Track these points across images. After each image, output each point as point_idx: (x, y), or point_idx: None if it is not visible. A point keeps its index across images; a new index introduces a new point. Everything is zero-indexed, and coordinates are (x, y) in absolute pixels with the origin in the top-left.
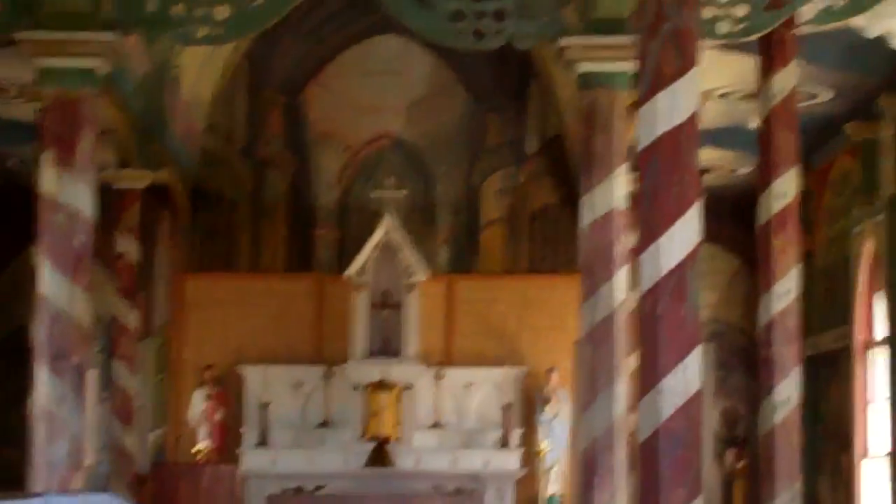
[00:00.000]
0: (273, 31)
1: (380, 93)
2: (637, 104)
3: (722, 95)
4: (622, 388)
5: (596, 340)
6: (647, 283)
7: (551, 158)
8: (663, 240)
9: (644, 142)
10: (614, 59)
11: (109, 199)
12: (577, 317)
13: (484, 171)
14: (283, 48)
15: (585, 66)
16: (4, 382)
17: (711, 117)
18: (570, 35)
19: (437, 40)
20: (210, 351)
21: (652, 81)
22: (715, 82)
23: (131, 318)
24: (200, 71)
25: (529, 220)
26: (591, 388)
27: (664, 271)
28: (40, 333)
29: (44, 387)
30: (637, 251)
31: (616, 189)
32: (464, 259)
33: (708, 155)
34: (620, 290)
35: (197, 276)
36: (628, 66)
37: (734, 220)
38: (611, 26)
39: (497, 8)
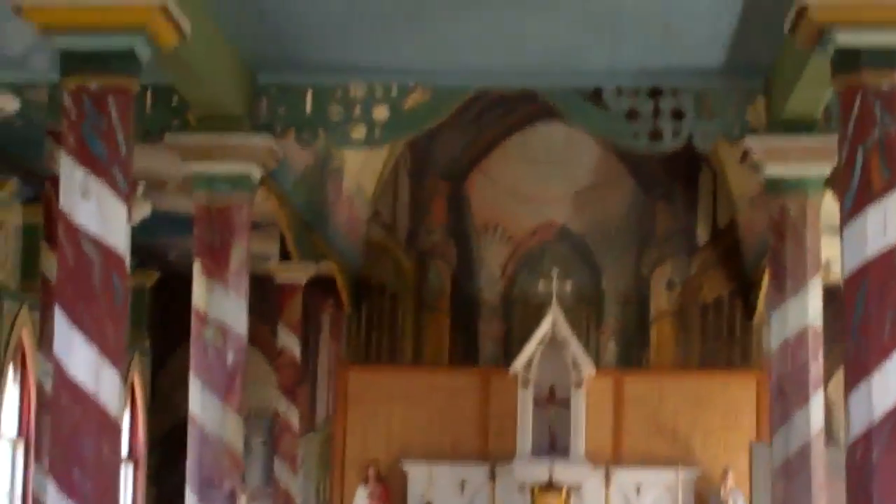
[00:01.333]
0: None
1: (544, 181)
2: (840, 220)
3: None
4: None
5: (790, 474)
6: (856, 427)
7: (723, 248)
8: (876, 378)
9: (849, 264)
10: (806, 162)
11: (271, 293)
12: (752, 415)
13: (653, 261)
14: (446, 136)
15: (773, 170)
16: (170, 476)
17: None
18: (756, 135)
19: (613, 140)
20: (373, 446)
21: (858, 195)
22: None
23: (293, 415)
24: (363, 161)
25: (701, 313)
26: None
27: (878, 415)
28: (191, 458)
29: None
30: (845, 389)
31: (811, 304)
32: (632, 354)
33: None
34: (818, 417)
35: (360, 369)
36: (821, 170)
37: None
38: (801, 126)
39: (674, 106)
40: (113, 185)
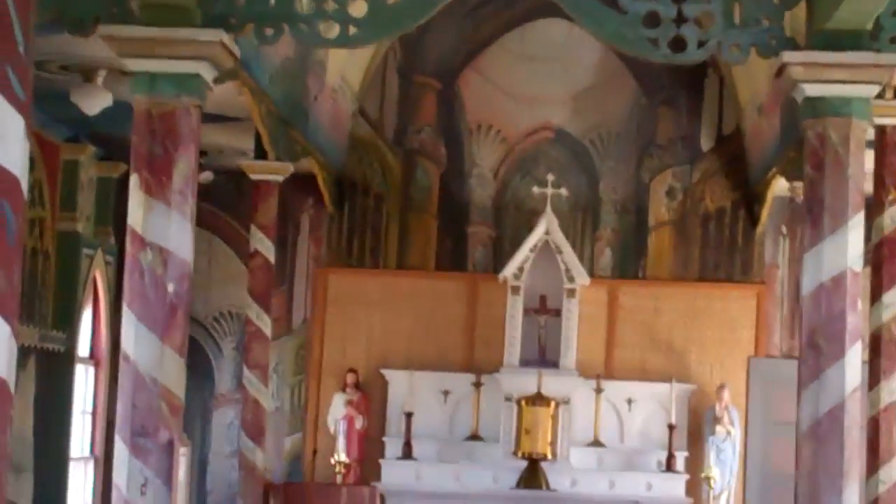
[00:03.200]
0: None
1: (541, 81)
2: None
3: None
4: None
5: (820, 437)
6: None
7: (727, 157)
8: None
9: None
10: (852, 82)
11: (247, 188)
12: (751, 330)
13: (653, 168)
14: (438, 31)
15: (814, 89)
16: None
17: None
18: (795, 49)
19: (628, 50)
20: (352, 353)
21: None
22: None
23: (264, 321)
24: (349, 54)
25: (702, 223)
26: (812, 497)
27: None
28: (122, 403)
29: (123, 468)
30: None
31: (852, 245)
32: (629, 264)
33: None
34: (854, 375)
35: (340, 272)
36: (869, 91)
37: None
38: (848, 40)
39: (701, 12)
40: (4, 90)
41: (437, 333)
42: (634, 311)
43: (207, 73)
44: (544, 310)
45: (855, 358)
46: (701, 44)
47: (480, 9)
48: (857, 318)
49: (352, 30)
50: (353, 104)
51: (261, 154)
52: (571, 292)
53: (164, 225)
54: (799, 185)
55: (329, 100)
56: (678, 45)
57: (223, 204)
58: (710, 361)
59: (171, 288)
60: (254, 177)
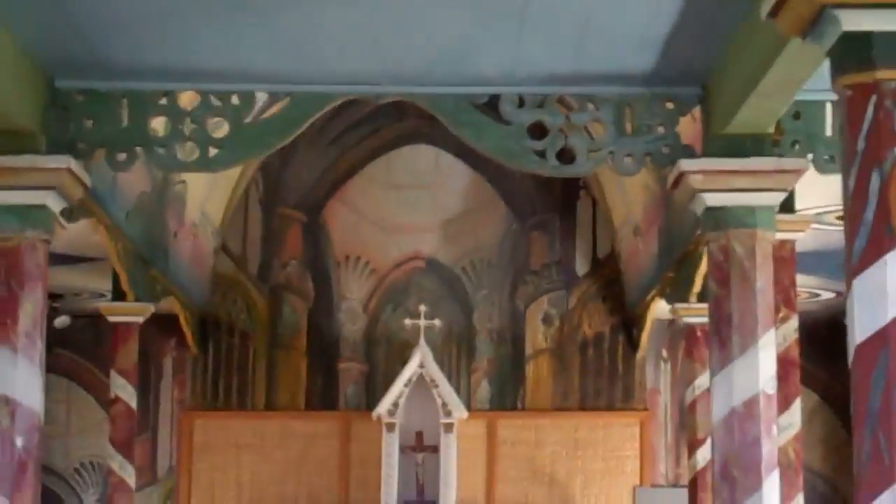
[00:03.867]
0: (291, 142)
1: (409, 210)
2: (847, 269)
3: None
4: None
5: None
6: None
7: (604, 281)
8: None
9: (863, 328)
10: (755, 189)
11: (105, 333)
12: (636, 459)
13: (528, 295)
14: (301, 161)
15: (715, 199)
16: None
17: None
18: (692, 157)
19: (513, 165)
20: (222, 501)
21: (873, 235)
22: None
23: (127, 471)
24: (209, 187)
25: (580, 350)
26: None
27: None
28: None
29: None
30: None
31: (763, 366)
32: (507, 395)
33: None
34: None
35: (207, 416)
36: (774, 199)
37: (813, 351)
38: (748, 146)
39: (590, 120)
40: None
41: (310, 476)
42: (515, 444)
43: (55, 203)
44: (421, 447)
45: (772, 489)
46: (591, 153)
47: (344, 136)
48: (772, 445)
49: (212, 151)
50: (214, 240)
51: (119, 295)
52: (449, 427)
53: (9, 373)
54: (681, 306)
55: (189, 236)
56: (567, 156)
57: (81, 349)
58: (594, 494)
59: (19, 443)
60: (112, 319)
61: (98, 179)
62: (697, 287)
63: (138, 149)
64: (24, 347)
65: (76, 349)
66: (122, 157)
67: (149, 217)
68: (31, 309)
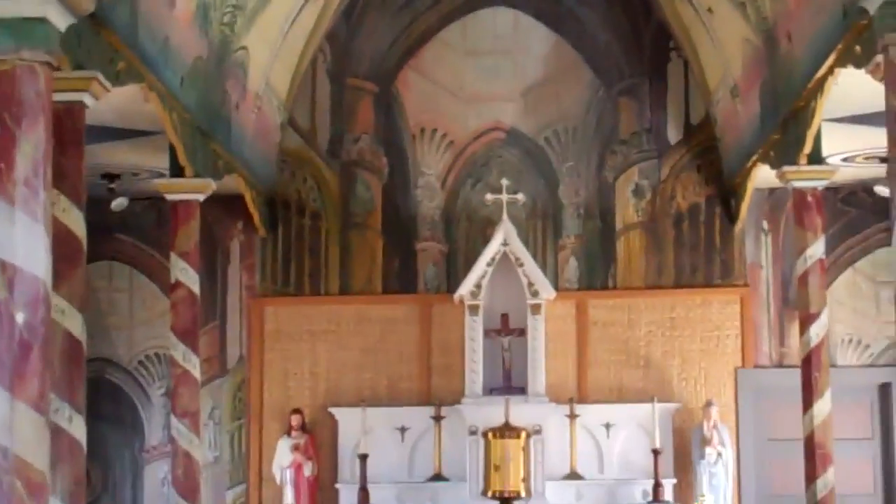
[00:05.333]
0: (358, 8)
1: (488, 77)
2: None
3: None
4: None
5: None
6: None
7: (699, 149)
8: None
9: None
10: None
11: (167, 216)
12: (736, 338)
13: (617, 166)
14: (370, 27)
15: None
16: None
17: None
18: None
19: None
20: (296, 392)
21: None
22: None
23: (191, 363)
24: (273, 56)
25: (674, 224)
26: None
27: None
28: None
29: None
30: None
31: None
32: (597, 273)
33: None
34: None
35: (278, 303)
36: None
37: None
38: None
39: None
40: None
41: (389, 364)
42: (607, 325)
43: (58, 17)
44: (507, 330)
45: None
46: None
47: (415, 1)
48: None
49: None
50: (280, 114)
51: (177, 171)
52: (536, 308)
53: (4, 231)
54: (789, 169)
55: (253, 108)
56: None
57: (143, 234)
58: (693, 376)
59: (20, 318)
60: (171, 198)
61: (147, 39)
62: (808, 147)
63: None
64: (24, 199)
65: (138, 234)
66: None
67: (207, 85)
68: (30, 151)
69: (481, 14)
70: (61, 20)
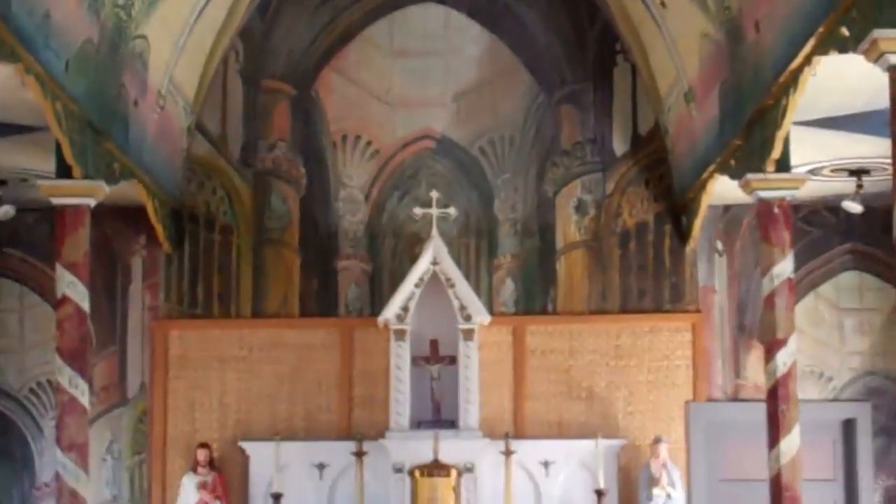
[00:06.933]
0: (274, 2)
1: (417, 80)
2: None
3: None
4: None
5: None
6: None
7: (647, 160)
8: None
9: None
10: None
11: (51, 221)
12: (687, 368)
13: (558, 179)
14: (288, 25)
15: None
16: None
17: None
18: None
19: None
20: (203, 424)
21: None
22: None
23: (80, 390)
24: (178, 49)
25: (620, 243)
26: None
27: None
28: None
29: None
30: None
31: None
32: (535, 296)
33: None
34: None
35: (184, 325)
36: None
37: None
38: None
39: None
40: None
41: (307, 394)
42: (546, 353)
43: None
44: (436, 357)
45: None
46: None
47: None
48: None
49: None
50: (187, 116)
51: (64, 172)
52: (469, 334)
53: None
54: (754, 177)
55: (155, 108)
56: None
57: (34, 249)
58: (640, 410)
59: None
60: (57, 202)
61: (22, 12)
62: (777, 152)
63: None
64: None
65: (28, 248)
66: None
67: (98, 74)
68: None
69: (410, 11)
70: None
